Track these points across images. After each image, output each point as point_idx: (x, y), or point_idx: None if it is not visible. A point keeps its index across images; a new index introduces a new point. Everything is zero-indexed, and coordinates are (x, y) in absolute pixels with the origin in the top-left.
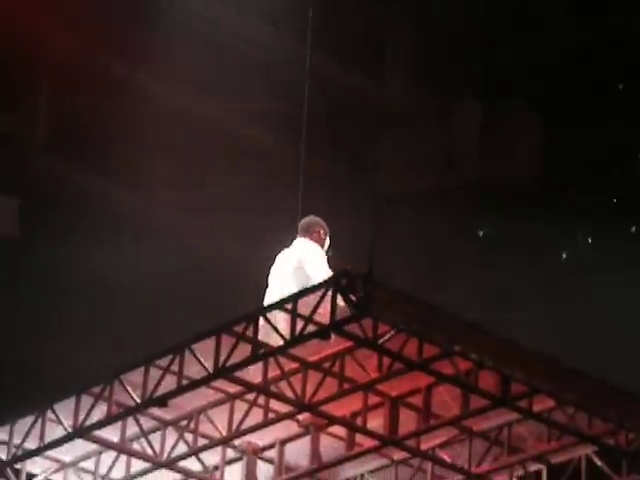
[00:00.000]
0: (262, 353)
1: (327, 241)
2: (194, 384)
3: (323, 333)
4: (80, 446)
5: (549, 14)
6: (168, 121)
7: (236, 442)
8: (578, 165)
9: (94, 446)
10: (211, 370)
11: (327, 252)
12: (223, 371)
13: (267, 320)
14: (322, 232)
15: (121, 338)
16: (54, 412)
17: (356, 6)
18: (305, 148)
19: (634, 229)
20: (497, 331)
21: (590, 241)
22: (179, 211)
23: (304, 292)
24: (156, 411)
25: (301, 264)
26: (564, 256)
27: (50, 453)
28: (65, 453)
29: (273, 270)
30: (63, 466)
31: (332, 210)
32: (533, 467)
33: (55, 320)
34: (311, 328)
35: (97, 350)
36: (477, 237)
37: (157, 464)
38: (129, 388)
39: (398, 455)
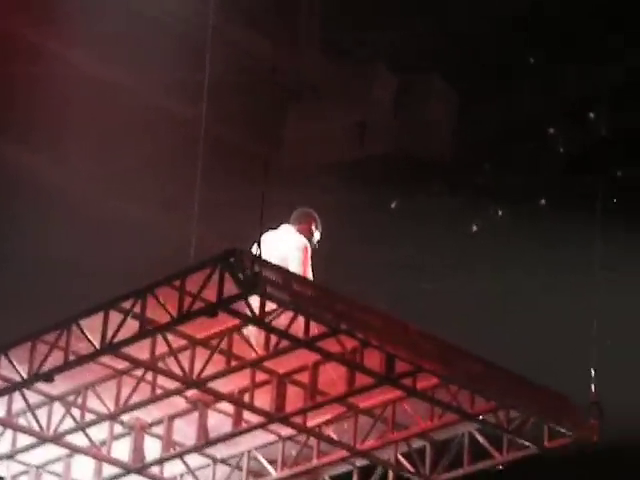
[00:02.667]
0: (150, 329)
1: (317, 235)
2: (81, 360)
3: (210, 311)
4: None
5: None
6: (81, 90)
7: (124, 418)
8: (493, 138)
9: None
10: (98, 346)
11: (314, 245)
12: (110, 347)
13: (156, 298)
14: (313, 226)
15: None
16: None
17: None
18: (212, 118)
19: (544, 202)
20: (410, 304)
21: (501, 214)
22: (94, 181)
23: (192, 269)
24: (43, 386)
25: (285, 261)
26: (475, 228)
27: None
28: None
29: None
30: None
31: (241, 182)
32: (417, 444)
33: None
34: (200, 305)
35: None
36: (390, 210)
37: (43, 439)
38: (15, 362)
39: (286, 432)
